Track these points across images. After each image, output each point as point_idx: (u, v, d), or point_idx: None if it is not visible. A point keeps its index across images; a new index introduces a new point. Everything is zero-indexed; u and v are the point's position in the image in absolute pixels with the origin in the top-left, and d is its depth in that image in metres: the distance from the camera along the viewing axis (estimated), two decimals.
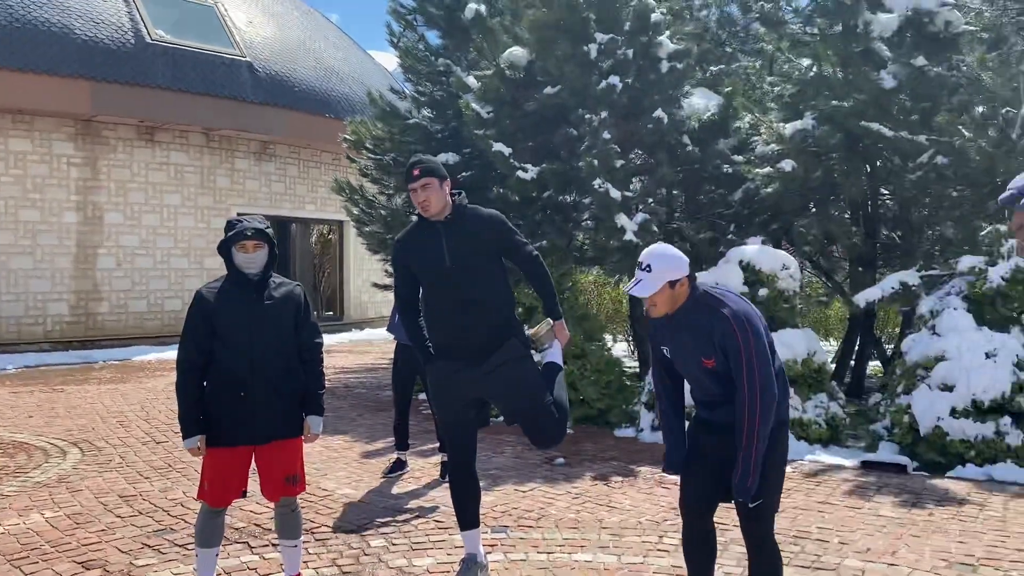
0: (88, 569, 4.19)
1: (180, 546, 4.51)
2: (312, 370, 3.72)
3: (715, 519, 3.30)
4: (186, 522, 4.93)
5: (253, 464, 3.67)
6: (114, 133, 15.05)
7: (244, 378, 3.52)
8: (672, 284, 3.05)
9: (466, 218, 3.90)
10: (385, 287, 12.11)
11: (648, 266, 3.05)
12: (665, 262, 3.05)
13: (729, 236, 9.42)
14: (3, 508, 5.23)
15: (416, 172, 3.81)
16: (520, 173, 8.72)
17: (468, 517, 3.99)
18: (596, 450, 6.95)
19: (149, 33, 15.27)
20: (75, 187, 14.63)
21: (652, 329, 3.29)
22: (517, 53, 8.95)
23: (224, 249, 3.61)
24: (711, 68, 9.93)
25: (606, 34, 8.54)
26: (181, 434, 3.58)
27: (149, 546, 4.54)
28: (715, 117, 9.11)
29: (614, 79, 8.45)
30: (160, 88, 14.98)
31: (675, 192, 10.17)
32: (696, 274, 3.19)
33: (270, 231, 3.65)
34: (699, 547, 3.28)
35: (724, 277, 7.48)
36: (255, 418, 3.53)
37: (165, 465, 6.36)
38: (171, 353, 13.44)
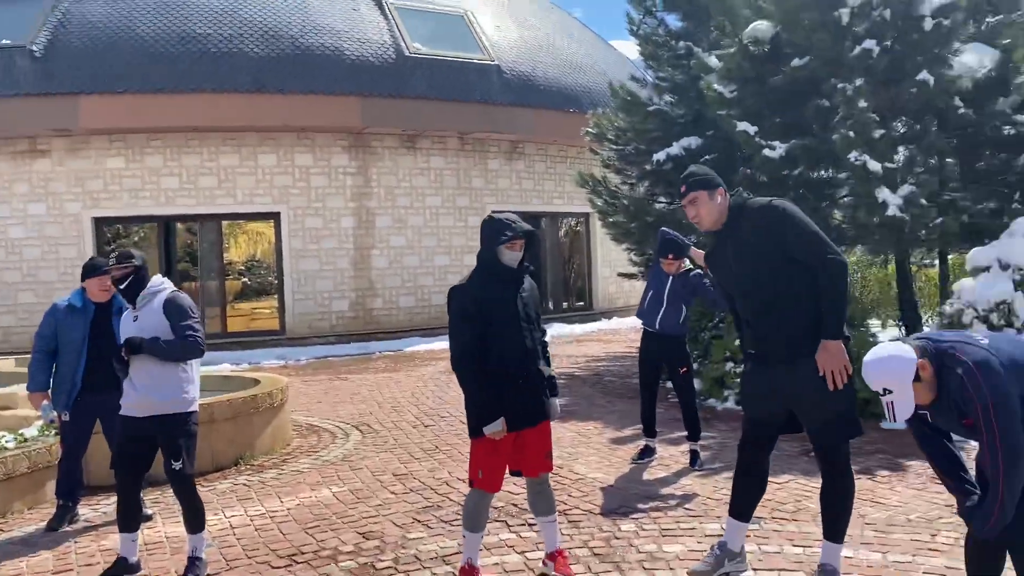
0: (368, 539, 4.66)
1: (446, 522, 4.88)
2: (546, 359, 3.95)
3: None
4: (451, 500, 5.31)
5: None
6: (381, 143, 16.41)
7: (519, 366, 3.73)
8: (917, 377, 2.79)
9: (745, 219, 3.66)
10: (631, 276, 12.13)
11: (886, 390, 2.80)
12: (894, 372, 2.79)
13: (1015, 205, 8.38)
14: (299, 483, 5.96)
15: (683, 188, 3.74)
16: (767, 151, 8.36)
17: (742, 507, 3.87)
18: (859, 443, 6.50)
19: (407, 47, 16.45)
20: (350, 194, 16.15)
21: (915, 421, 3.06)
22: (761, 27, 8.59)
23: (493, 246, 3.70)
24: (986, 20, 8.86)
25: None
26: (471, 424, 3.72)
27: (419, 521, 4.95)
28: (992, 74, 8.14)
29: (870, 43, 7.83)
30: (419, 98, 16.10)
31: (948, 160, 9.21)
32: (918, 340, 2.87)
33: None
34: None
35: (1008, 251, 6.71)
36: (530, 402, 3.77)
37: (432, 447, 6.88)
38: (438, 343, 14.44)
